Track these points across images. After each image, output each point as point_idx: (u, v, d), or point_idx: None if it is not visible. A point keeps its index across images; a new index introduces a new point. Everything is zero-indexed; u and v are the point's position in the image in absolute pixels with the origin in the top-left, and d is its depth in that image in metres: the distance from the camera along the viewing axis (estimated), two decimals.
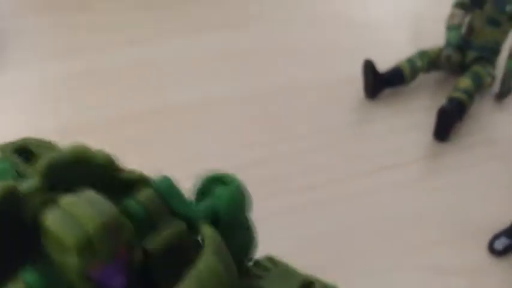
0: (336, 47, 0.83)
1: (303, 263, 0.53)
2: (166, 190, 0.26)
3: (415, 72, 0.73)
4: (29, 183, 0.24)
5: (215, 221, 0.28)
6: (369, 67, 0.71)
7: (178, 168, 0.59)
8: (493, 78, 0.73)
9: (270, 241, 0.54)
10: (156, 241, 0.25)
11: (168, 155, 0.64)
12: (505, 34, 0.73)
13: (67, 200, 0.23)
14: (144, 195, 0.26)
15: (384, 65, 0.75)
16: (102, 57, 0.81)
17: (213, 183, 0.31)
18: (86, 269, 0.22)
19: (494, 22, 0.72)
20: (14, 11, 0.90)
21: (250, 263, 0.32)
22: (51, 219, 0.22)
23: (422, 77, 0.77)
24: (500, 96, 0.74)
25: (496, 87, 0.75)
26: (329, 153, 0.65)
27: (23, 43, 0.83)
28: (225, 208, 0.28)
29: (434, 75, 0.78)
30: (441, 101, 0.74)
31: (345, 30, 0.87)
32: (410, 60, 0.74)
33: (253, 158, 0.64)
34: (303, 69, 0.79)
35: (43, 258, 0.24)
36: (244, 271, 0.31)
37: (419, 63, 0.73)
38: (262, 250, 0.54)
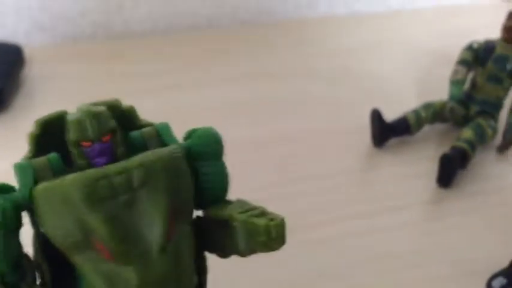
0: (346, 99, 0.88)
1: None
2: (162, 129, 0.39)
3: (420, 122, 0.78)
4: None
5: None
6: (376, 116, 0.75)
7: None
8: (495, 131, 0.77)
9: (274, 273, 0.57)
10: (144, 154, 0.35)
11: None
12: (506, 90, 0.78)
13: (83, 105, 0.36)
14: (145, 130, 0.39)
15: (391, 116, 0.79)
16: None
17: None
18: (79, 141, 0.34)
19: (495, 79, 0.77)
20: (43, 58, 0.94)
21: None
22: (70, 115, 0.36)
23: (427, 129, 0.81)
24: (502, 149, 0.77)
25: (498, 140, 0.78)
26: (336, 194, 0.69)
27: (52, 89, 0.87)
28: (196, 140, 0.38)
29: (439, 127, 0.82)
30: (445, 151, 0.77)
31: (355, 84, 0.92)
32: (415, 111, 0.78)
33: (262, 197, 0.67)
34: (315, 118, 0.84)
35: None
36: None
37: (424, 114, 0.78)
38: (264, 282, 0.57)
